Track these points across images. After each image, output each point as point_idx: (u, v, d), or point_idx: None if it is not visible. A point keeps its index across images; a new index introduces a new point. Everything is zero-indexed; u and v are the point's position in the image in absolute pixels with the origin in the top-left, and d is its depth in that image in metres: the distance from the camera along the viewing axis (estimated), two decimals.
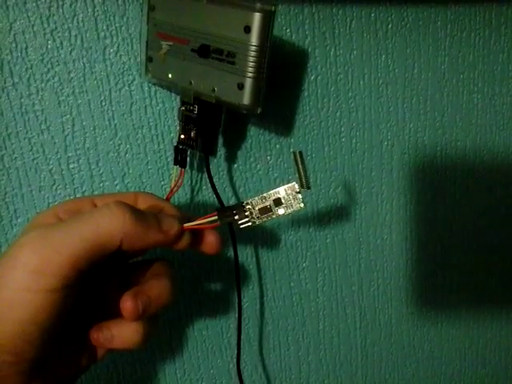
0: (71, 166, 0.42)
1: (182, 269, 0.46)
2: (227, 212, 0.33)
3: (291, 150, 0.46)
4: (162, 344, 0.48)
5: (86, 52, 0.40)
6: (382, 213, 0.50)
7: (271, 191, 0.33)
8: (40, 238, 0.28)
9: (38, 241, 0.28)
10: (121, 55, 0.40)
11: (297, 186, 0.33)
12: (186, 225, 0.33)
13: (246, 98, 0.34)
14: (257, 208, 0.33)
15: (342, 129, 0.46)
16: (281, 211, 0.33)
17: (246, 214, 0.33)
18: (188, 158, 0.42)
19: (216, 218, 0.33)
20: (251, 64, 0.34)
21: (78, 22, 0.39)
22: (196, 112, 0.38)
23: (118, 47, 0.40)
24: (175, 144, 0.40)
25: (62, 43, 0.39)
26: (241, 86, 0.34)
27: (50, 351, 0.30)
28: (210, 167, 0.44)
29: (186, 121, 0.39)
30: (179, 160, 0.41)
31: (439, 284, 0.54)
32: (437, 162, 0.49)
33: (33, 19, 0.38)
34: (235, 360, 0.47)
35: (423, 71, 0.47)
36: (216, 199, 0.43)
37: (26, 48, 0.39)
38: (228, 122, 0.43)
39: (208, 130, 0.40)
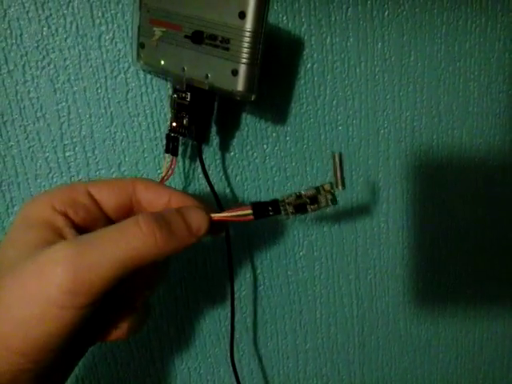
0: (67, 154, 0.42)
1: (178, 258, 0.47)
2: (263, 207, 0.33)
3: (287, 138, 0.46)
4: (160, 333, 0.48)
5: (82, 39, 0.40)
6: (379, 201, 0.50)
7: (307, 190, 0.34)
8: (75, 257, 0.28)
9: (73, 260, 0.28)
10: (116, 42, 0.40)
11: (333, 185, 0.34)
12: (215, 216, 0.32)
13: (240, 85, 0.34)
14: (292, 205, 0.33)
15: (339, 117, 0.46)
16: (314, 207, 0.34)
17: (281, 209, 0.33)
18: (181, 147, 0.42)
19: (250, 212, 0.33)
20: (246, 50, 0.34)
21: (73, 9, 0.39)
22: (189, 99, 0.38)
23: (113, 34, 0.40)
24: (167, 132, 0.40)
25: (57, 30, 0.39)
26: (235, 73, 0.34)
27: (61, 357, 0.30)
28: (206, 156, 0.44)
29: (178, 108, 0.39)
30: (171, 148, 0.40)
31: (436, 272, 0.54)
32: (433, 150, 0.49)
33: (27, 5, 0.38)
34: (230, 349, 0.47)
35: (419, 59, 0.47)
36: (209, 189, 0.43)
37: (21, 35, 0.38)
38: (223, 109, 0.43)
39: (201, 118, 0.40)
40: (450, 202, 0.52)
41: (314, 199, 0.33)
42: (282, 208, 0.33)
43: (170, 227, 0.30)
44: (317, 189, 0.34)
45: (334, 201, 0.34)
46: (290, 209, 0.33)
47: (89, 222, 0.32)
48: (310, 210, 0.34)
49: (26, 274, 0.28)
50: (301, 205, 0.33)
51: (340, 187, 0.33)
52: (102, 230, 0.29)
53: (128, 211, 0.33)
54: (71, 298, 0.27)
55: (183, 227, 0.30)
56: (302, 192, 0.33)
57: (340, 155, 0.34)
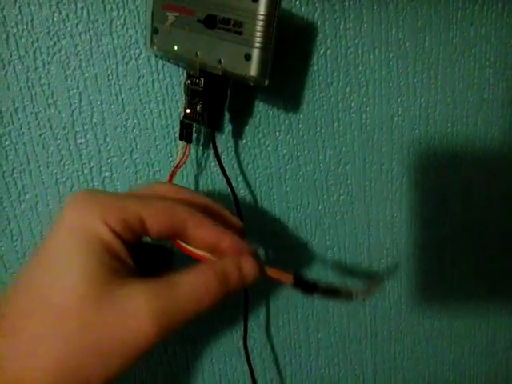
0: (79, 142, 0.42)
1: None
2: (304, 284, 0.34)
3: (300, 125, 0.45)
4: None
5: (93, 25, 0.39)
6: (392, 190, 0.49)
7: (346, 288, 0.35)
8: (160, 309, 0.28)
9: (159, 313, 0.28)
10: (127, 28, 0.40)
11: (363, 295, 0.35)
12: (268, 271, 0.34)
13: (254, 69, 0.34)
14: (326, 291, 0.35)
15: (352, 104, 0.46)
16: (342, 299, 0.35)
17: (315, 289, 0.34)
18: (194, 134, 0.41)
19: (292, 283, 0.34)
20: (259, 34, 0.33)
21: None
22: (202, 85, 0.38)
23: (124, 20, 0.40)
24: (181, 119, 0.40)
25: (67, 16, 0.39)
26: (248, 57, 0.34)
27: None
28: (218, 143, 0.43)
29: (191, 95, 0.39)
30: (184, 135, 0.40)
31: (449, 262, 0.53)
32: (447, 138, 0.49)
33: None
34: (243, 339, 0.47)
35: (434, 45, 0.46)
36: (223, 176, 0.42)
37: (32, 20, 0.38)
38: (235, 96, 0.43)
39: (214, 104, 0.39)
40: (464, 191, 0.51)
41: (348, 295, 0.35)
42: (317, 288, 0.35)
43: (229, 282, 0.31)
44: (352, 291, 0.35)
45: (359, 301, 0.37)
46: (322, 291, 0.35)
47: (131, 243, 0.31)
48: (337, 299, 0.35)
49: (110, 318, 0.27)
50: (333, 293, 0.35)
51: (365, 300, 0.34)
52: (178, 278, 0.29)
53: (172, 236, 0.32)
54: (153, 343, 0.28)
55: (239, 283, 0.32)
56: (339, 286, 0.35)
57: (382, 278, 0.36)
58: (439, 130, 0.48)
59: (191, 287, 0.29)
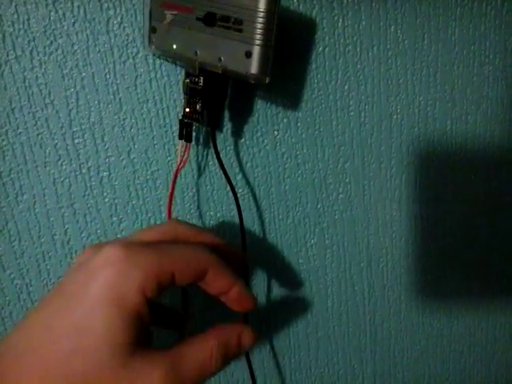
0: (76, 141, 0.41)
1: None
2: None
3: (299, 124, 0.45)
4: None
5: (89, 24, 0.39)
6: (391, 188, 0.49)
7: None
8: (169, 378, 0.30)
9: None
10: (124, 27, 0.39)
11: None
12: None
13: (254, 67, 0.34)
14: None
15: (351, 102, 0.45)
16: None
17: None
18: (193, 133, 0.41)
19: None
20: (259, 31, 0.33)
21: None
22: (201, 84, 0.37)
23: (121, 18, 0.39)
24: (180, 118, 0.40)
25: (64, 14, 0.38)
26: (248, 55, 0.33)
27: None
28: (217, 143, 0.43)
29: (190, 93, 0.38)
30: (184, 134, 0.40)
31: (449, 260, 0.53)
32: (447, 136, 0.49)
33: None
34: None
35: (433, 42, 0.46)
36: (223, 175, 0.42)
37: (28, 19, 0.38)
38: (234, 95, 0.42)
39: (214, 103, 0.39)
40: (463, 190, 0.51)
41: None
42: None
43: (229, 352, 0.33)
44: None
45: None
46: None
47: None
48: None
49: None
50: None
51: None
52: (186, 349, 0.31)
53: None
54: None
55: (238, 352, 0.34)
56: None
57: None
58: (438, 127, 0.48)
59: (198, 358, 0.31)
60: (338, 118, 0.46)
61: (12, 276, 0.44)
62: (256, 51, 0.33)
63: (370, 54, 0.44)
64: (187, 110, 0.39)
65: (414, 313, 0.54)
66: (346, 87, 0.45)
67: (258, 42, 0.33)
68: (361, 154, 0.47)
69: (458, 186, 0.51)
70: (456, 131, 0.49)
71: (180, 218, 0.45)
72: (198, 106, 0.38)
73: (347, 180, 0.48)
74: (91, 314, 0.28)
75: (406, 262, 0.52)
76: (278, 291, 0.50)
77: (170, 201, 0.41)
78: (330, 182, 0.47)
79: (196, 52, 0.36)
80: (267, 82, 0.35)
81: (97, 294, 0.28)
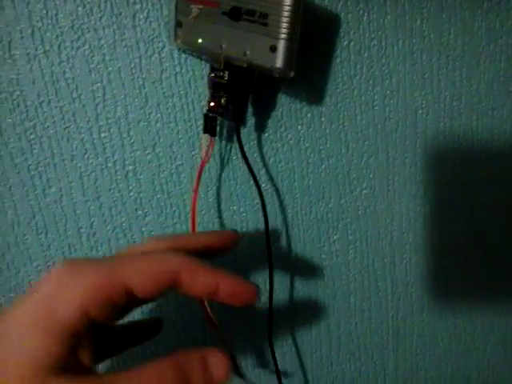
0: (102, 135, 0.42)
1: None
2: None
3: (322, 119, 0.45)
4: (194, 308, 0.48)
5: (116, 18, 0.39)
6: (416, 184, 0.49)
7: None
8: None
9: None
10: (151, 21, 0.40)
11: None
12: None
13: (279, 61, 0.34)
14: None
15: (376, 97, 0.45)
16: None
17: None
18: (218, 127, 0.41)
19: None
20: (284, 25, 0.33)
21: None
22: (226, 78, 0.38)
23: (147, 13, 0.40)
24: (205, 112, 0.40)
25: (91, 9, 0.39)
26: (273, 49, 0.34)
27: None
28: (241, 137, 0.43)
29: (215, 88, 0.38)
30: (209, 128, 0.40)
31: (473, 258, 0.52)
32: (472, 131, 0.48)
33: None
34: (268, 332, 0.47)
35: (459, 37, 0.45)
36: (247, 170, 0.42)
37: (57, 15, 0.38)
38: (258, 89, 0.43)
39: (239, 97, 0.39)
40: (490, 184, 0.50)
41: None
42: None
43: (190, 382, 0.28)
44: None
45: None
46: None
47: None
48: None
49: None
50: None
51: None
52: (124, 374, 0.27)
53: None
54: None
55: (207, 381, 0.28)
56: None
57: None
58: (464, 122, 0.47)
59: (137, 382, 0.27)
60: (363, 112, 0.45)
61: (39, 268, 0.45)
62: (281, 45, 0.33)
63: (395, 48, 0.44)
64: (212, 104, 0.39)
65: (436, 310, 0.54)
66: (371, 82, 0.45)
67: (283, 36, 0.33)
68: (385, 149, 0.47)
69: (485, 182, 0.50)
70: (482, 126, 0.48)
71: (204, 212, 0.46)
72: (222, 100, 0.38)
73: (371, 175, 0.47)
74: (20, 329, 0.26)
75: (430, 258, 0.51)
76: (300, 287, 0.50)
77: (195, 196, 0.41)
78: (354, 177, 0.47)
79: (221, 46, 0.36)
80: (292, 75, 0.35)
81: (28, 308, 0.27)
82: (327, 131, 0.45)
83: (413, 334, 0.54)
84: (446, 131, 0.47)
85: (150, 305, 0.47)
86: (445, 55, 0.45)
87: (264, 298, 0.48)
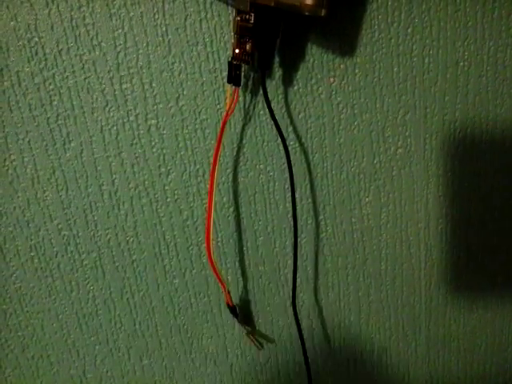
0: (124, 87, 0.40)
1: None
2: None
3: (356, 70, 0.42)
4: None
5: None
6: (454, 142, 0.46)
7: None
8: None
9: None
10: None
11: None
12: None
13: None
14: None
15: (414, 47, 0.42)
16: None
17: None
18: (243, 79, 0.39)
19: None
20: None
21: None
22: (252, 21, 0.35)
23: None
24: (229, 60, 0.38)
25: None
26: None
27: None
28: (267, 90, 0.41)
29: (241, 32, 0.36)
30: (233, 77, 0.38)
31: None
32: None
33: None
34: (292, 298, 0.45)
35: None
36: (274, 126, 0.40)
37: None
38: (286, 37, 0.40)
39: (265, 42, 0.37)
40: None
41: None
42: None
43: None
44: None
45: None
46: None
47: None
48: None
49: None
50: None
51: None
52: None
53: None
54: None
55: None
56: None
57: None
58: (509, 76, 0.44)
59: None
60: (400, 64, 0.42)
61: (60, 226, 0.44)
62: None
63: None
64: (237, 50, 0.37)
65: (473, 278, 0.51)
66: (410, 30, 0.42)
67: None
68: (423, 105, 0.44)
69: None
70: None
71: (229, 170, 0.44)
72: (248, 46, 0.36)
73: (407, 133, 0.45)
74: None
75: (467, 223, 0.49)
76: (328, 251, 0.48)
77: (218, 147, 0.39)
78: (389, 134, 0.44)
79: None
80: (323, 14, 0.32)
81: None
82: (361, 84, 0.43)
83: (446, 303, 0.52)
84: (488, 86, 0.44)
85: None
86: (491, 1, 0.42)
87: (291, 261, 0.47)
